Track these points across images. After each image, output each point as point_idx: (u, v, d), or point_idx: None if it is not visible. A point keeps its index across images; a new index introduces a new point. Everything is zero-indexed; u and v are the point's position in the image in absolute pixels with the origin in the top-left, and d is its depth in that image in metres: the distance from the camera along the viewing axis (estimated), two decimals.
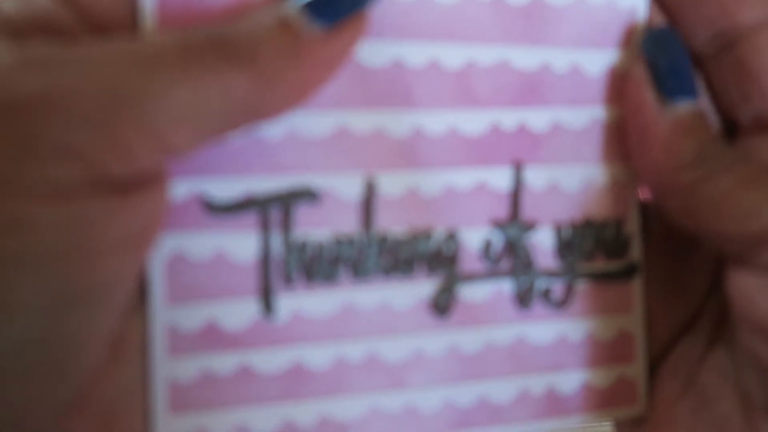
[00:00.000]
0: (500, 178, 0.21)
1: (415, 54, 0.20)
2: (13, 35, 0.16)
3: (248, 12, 0.18)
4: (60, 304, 0.15)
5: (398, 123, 0.20)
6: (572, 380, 0.22)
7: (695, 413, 0.22)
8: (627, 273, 0.23)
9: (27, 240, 0.14)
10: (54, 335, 0.15)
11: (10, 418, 0.15)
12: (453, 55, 0.21)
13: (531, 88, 0.22)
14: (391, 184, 0.20)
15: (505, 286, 0.22)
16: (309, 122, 0.20)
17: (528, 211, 0.22)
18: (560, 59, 0.22)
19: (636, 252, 0.23)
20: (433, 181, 0.21)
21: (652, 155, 0.20)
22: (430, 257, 0.21)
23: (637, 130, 0.21)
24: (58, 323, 0.15)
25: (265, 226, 0.19)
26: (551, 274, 0.22)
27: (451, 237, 0.21)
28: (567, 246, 0.22)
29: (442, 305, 0.21)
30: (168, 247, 0.19)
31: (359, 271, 0.20)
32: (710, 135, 0.20)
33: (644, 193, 0.23)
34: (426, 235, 0.21)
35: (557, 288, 0.22)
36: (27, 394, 0.15)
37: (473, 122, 0.21)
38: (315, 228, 0.20)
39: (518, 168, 0.22)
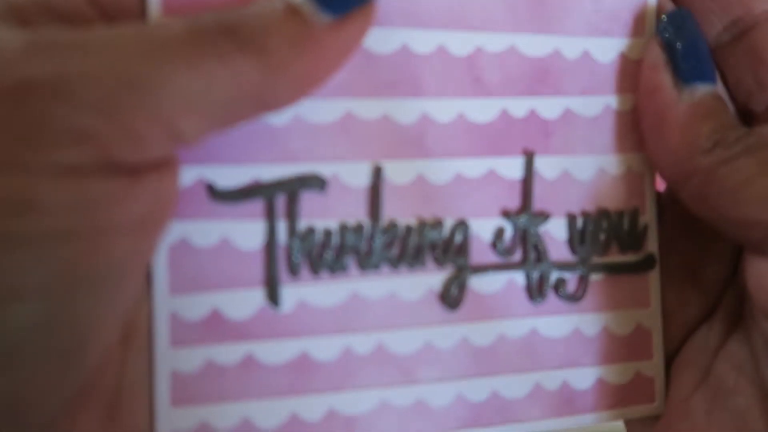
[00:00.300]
0: (511, 167, 0.21)
1: (423, 41, 0.20)
2: (23, 22, 0.16)
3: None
4: (69, 287, 0.14)
5: (406, 110, 0.20)
6: (587, 376, 0.22)
7: (711, 406, 0.21)
8: (644, 266, 0.22)
9: (35, 221, 0.14)
10: (63, 319, 0.14)
11: (19, 405, 0.15)
12: (461, 42, 0.20)
13: (541, 75, 0.21)
14: (398, 172, 0.20)
15: (517, 278, 0.21)
16: (316, 109, 0.19)
17: (540, 201, 0.21)
18: (571, 46, 0.21)
19: (652, 244, 0.22)
20: (442, 170, 0.20)
21: (669, 140, 0.20)
22: (440, 247, 0.20)
23: (653, 114, 0.20)
24: (68, 307, 0.14)
25: (270, 214, 0.19)
26: (564, 266, 0.21)
27: (461, 227, 0.20)
28: (580, 237, 0.22)
29: (452, 297, 0.20)
30: (172, 235, 0.18)
31: (366, 260, 0.20)
32: (729, 119, 0.20)
33: (659, 184, 0.23)
34: (435, 224, 0.20)
35: (571, 281, 0.22)
36: (35, 380, 0.14)
37: (482, 109, 0.21)
38: (321, 216, 0.20)
39: (529, 156, 0.21)
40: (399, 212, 0.20)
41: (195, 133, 0.16)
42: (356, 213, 0.20)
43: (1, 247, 0.13)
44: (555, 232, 0.21)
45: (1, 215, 0.13)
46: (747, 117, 0.22)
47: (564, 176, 0.22)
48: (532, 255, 0.21)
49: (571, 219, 0.21)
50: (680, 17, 0.20)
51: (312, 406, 0.19)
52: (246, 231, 0.19)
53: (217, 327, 0.19)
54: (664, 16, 0.21)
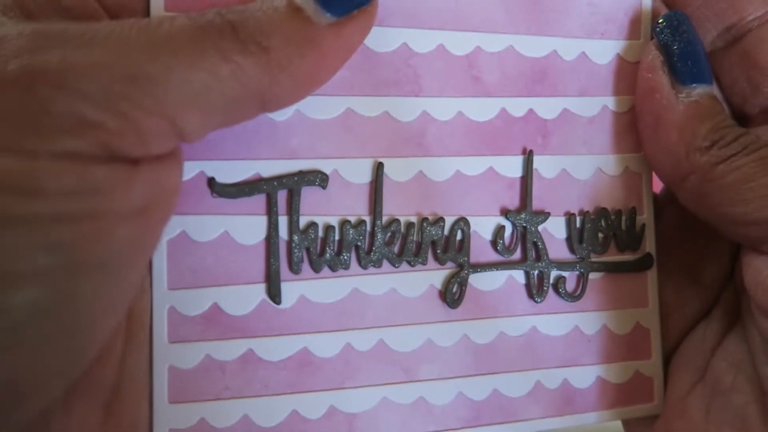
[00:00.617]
0: (510, 166, 0.21)
1: (423, 40, 0.20)
2: (30, 17, 0.16)
3: None
4: (69, 272, 0.14)
5: (406, 108, 0.20)
6: (587, 375, 0.22)
7: (709, 405, 0.21)
8: (641, 265, 0.22)
9: (36, 204, 0.14)
10: (62, 304, 0.14)
11: (16, 391, 0.14)
12: (460, 42, 0.21)
13: (539, 76, 0.21)
14: (399, 169, 0.20)
15: (517, 277, 0.21)
16: (318, 106, 0.19)
17: (538, 199, 0.21)
18: (568, 48, 0.22)
19: (650, 243, 0.22)
20: (442, 167, 0.20)
21: (667, 140, 0.20)
22: (440, 244, 0.20)
23: (651, 115, 0.21)
24: (67, 292, 0.14)
25: (271, 209, 0.19)
26: (564, 265, 0.21)
27: (461, 224, 0.20)
28: (579, 236, 0.22)
29: (452, 295, 0.20)
30: (172, 229, 0.18)
31: (367, 256, 0.20)
32: (726, 119, 0.20)
33: (656, 185, 0.23)
34: (436, 221, 0.20)
35: (570, 279, 0.22)
36: (33, 365, 0.14)
37: (481, 108, 0.21)
38: (322, 212, 0.19)
39: (528, 155, 0.21)
40: (399, 209, 0.20)
41: (196, 130, 0.16)
42: (357, 209, 0.20)
43: (2, 229, 0.13)
44: (554, 231, 0.22)
45: (3, 197, 0.13)
46: (742, 120, 0.22)
47: (562, 175, 0.22)
48: (532, 253, 0.21)
49: (570, 218, 0.22)
50: (677, 19, 0.21)
51: (312, 404, 0.19)
52: (247, 226, 0.19)
53: (216, 322, 0.19)
54: (660, 18, 0.21)
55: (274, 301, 0.19)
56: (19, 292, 0.13)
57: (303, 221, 0.19)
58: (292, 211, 0.19)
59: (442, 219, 0.20)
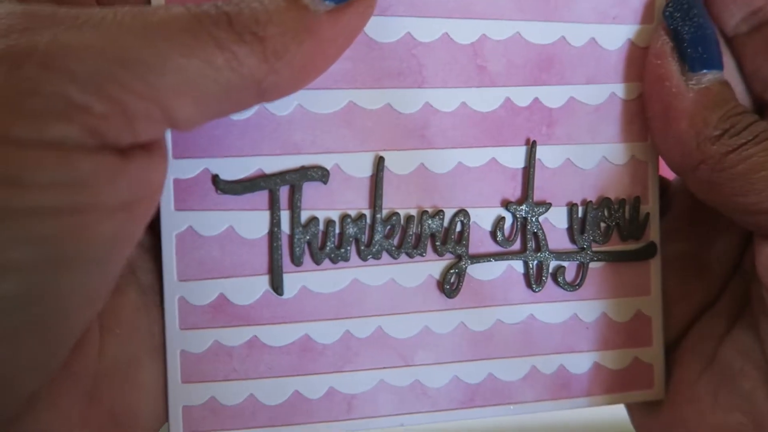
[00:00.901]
0: (513, 156, 0.21)
1: (427, 29, 0.20)
2: (23, 1, 0.16)
3: None
4: (53, 264, 0.14)
5: (408, 100, 0.20)
6: (584, 361, 0.22)
7: (717, 390, 0.21)
8: (644, 254, 0.22)
9: (20, 195, 0.13)
10: (45, 295, 0.14)
11: None
12: (465, 30, 0.20)
13: (546, 64, 0.21)
14: (400, 162, 0.20)
15: (516, 267, 0.22)
16: (320, 99, 0.20)
17: (541, 190, 0.21)
18: (577, 34, 0.21)
19: (654, 232, 0.22)
20: (443, 159, 0.21)
21: (677, 128, 0.20)
22: (440, 237, 0.21)
23: (660, 102, 0.20)
24: (50, 283, 0.14)
25: (273, 205, 0.20)
26: (564, 255, 0.22)
27: (461, 216, 0.21)
28: (581, 226, 0.22)
29: (450, 285, 0.21)
30: (180, 224, 0.19)
31: (366, 249, 0.20)
32: (737, 106, 0.20)
33: (663, 172, 0.23)
34: (435, 214, 0.21)
35: (570, 269, 0.22)
36: (15, 355, 0.15)
37: (485, 98, 0.21)
38: (323, 206, 0.20)
39: (531, 146, 0.21)
40: (400, 202, 0.21)
41: (190, 117, 0.16)
42: (358, 203, 0.20)
43: None
44: (555, 221, 0.22)
45: None
46: (762, 107, 0.21)
47: (566, 165, 0.22)
48: (532, 244, 0.22)
49: (572, 208, 0.22)
50: (687, 3, 0.20)
51: (313, 385, 0.20)
52: (250, 221, 0.20)
53: (223, 311, 0.20)
54: (669, 2, 0.20)
55: (277, 293, 0.20)
56: (0, 282, 0.13)
57: (304, 216, 0.20)
58: (294, 206, 0.20)
59: (441, 211, 0.21)
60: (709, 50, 0.20)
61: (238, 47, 0.15)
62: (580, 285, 0.22)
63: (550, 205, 0.22)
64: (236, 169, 0.20)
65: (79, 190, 0.14)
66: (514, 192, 0.21)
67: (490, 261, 0.21)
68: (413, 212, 0.21)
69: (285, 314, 0.20)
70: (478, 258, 0.21)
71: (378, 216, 0.20)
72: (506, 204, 0.21)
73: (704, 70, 0.20)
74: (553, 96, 0.21)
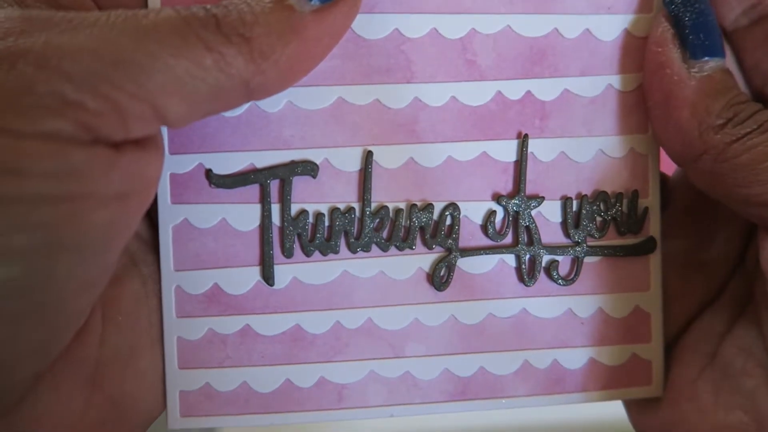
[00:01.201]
0: (504, 150, 0.21)
1: (416, 25, 0.20)
2: (22, 6, 0.17)
3: None
4: (50, 252, 0.15)
5: (397, 95, 0.21)
6: (578, 356, 0.22)
7: (719, 388, 0.21)
8: (643, 248, 0.22)
9: (18, 184, 0.14)
10: (42, 283, 0.15)
11: None
12: (454, 25, 0.20)
13: (538, 56, 0.21)
14: (389, 157, 0.21)
15: (508, 260, 0.21)
16: (309, 96, 0.20)
17: (534, 184, 0.21)
18: (570, 25, 0.21)
19: (655, 227, 0.22)
20: (433, 153, 0.21)
21: (678, 118, 0.19)
22: (429, 230, 0.21)
23: (660, 91, 0.20)
24: (48, 269, 0.15)
25: (264, 199, 0.20)
26: (557, 249, 0.22)
27: (451, 210, 0.21)
28: (575, 220, 0.22)
29: (439, 278, 0.21)
30: (176, 217, 0.20)
31: (356, 242, 0.21)
32: (739, 94, 0.19)
33: (663, 166, 0.22)
34: (425, 207, 0.21)
35: (564, 263, 0.22)
36: (14, 338, 0.15)
37: (475, 92, 0.21)
38: (313, 200, 0.21)
39: (523, 139, 0.21)
40: (389, 196, 0.21)
41: (181, 115, 0.16)
42: (347, 197, 0.21)
43: None
44: (549, 215, 0.22)
45: None
46: (763, 102, 0.21)
47: (560, 158, 0.21)
48: (524, 238, 0.21)
49: (566, 202, 0.21)
50: None
51: (304, 374, 0.21)
52: (242, 214, 0.21)
53: (217, 301, 0.21)
54: None
55: (268, 283, 0.21)
56: None
57: (294, 209, 0.21)
58: (284, 199, 0.21)
59: (431, 205, 0.21)
60: (711, 37, 0.19)
61: (226, 48, 0.16)
62: (574, 280, 0.22)
63: (543, 198, 0.21)
64: (229, 163, 0.20)
65: (73, 180, 0.15)
66: (506, 186, 0.21)
67: (481, 254, 0.21)
68: (402, 206, 0.21)
69: (276, 304, 0.21)
70: (468, 251, 0.21)
71: (367, 209, 0.21)
72: (497, 198, 0.21)
73: (706, 58, 0.19)
74: (546, 89, 0.21)
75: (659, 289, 0.22)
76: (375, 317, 0.21)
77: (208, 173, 0.20)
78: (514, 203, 0.21)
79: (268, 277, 0.21)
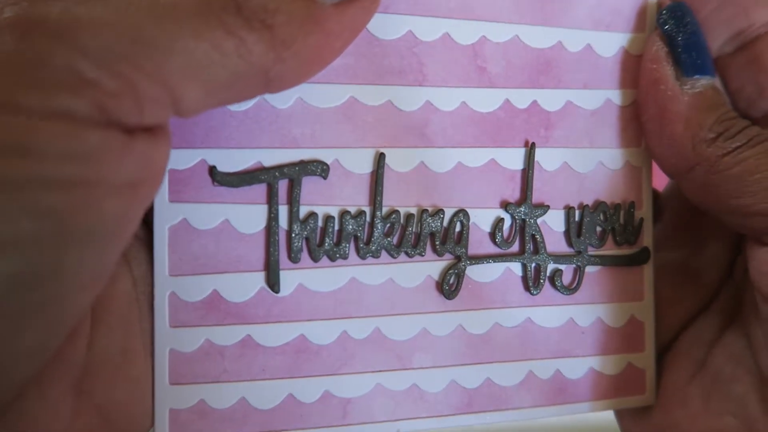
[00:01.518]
0: (511, 158, 0.21)
1: (429, 28, 0.20)
2: None
3: None
4: (57, 240, 0.14)
5: (409, 97, 0.20)
6: (580, 366, 0.22)
7: (708, 395, 0.21)
8: (638, 259, 0.22)
9: (27, 166, 0.13)
10: (47, 273, 0.14)
11: None
12: (466, 31, 0.21)
13: (544, 67, 0.21)
14: (400, 160, 0.20)
15: (514, 269, 0.21)
16: (320, 94, 0.20)
17: (539, 192, 0.21)
18: (573, 39, 0.21)
19: (648, 238, 0.23)
20: (443, 158, 0.21)
21: (672, 131, 0.20)
22: (439, 236, 0.20)
23: (655, 106, 0.21)
24: (53, 260, 0.14)
25: (272, 199, 0.19)
26: (561, 258, 0.22)
27: (461, 216, 0.21)
28: (577, 229, 0.22)
29: (449, 286, 0.21)
30: (173, 217, 0.19)
31: (365, 247, 0.20)
32: (729, 111, 0.20)
33: (658, 181, 0.23)
34: (435, 213, 0.20)
35: (567, 272, 0.22)
36: (13, 337, 0.14)
37: (485, 99, 0.21)
38: (322, 202, 0.20)
39: (530, 148, 0.21)
40: (400, 200, 0.20)
41: (195, 102, 0.15)
42: (357, 199, 0.20)
43: None
44: (553, 224, 0.22)
45: None
46: None
47: (564, 168, 0.22)
48: (530, 246, 0.21)
49: (569, 211, 0.22)
50: (680, 10, 0.21)
51: (308, 388, 0.20)
52: (247, 215, 0.19)
53: (216, 309, 0.19)
54: (663, 9, 0.21)
55: (273, 290, 0.19)
56: (1, 259, 0.13)
57: (303, 211, 0.20)
58: (293, 200, 0.19)
59: (441, 211, 0.21)
60: (702, 56, 0.21)
61: (247, 33, 0.15)
62: (576, 289, 0.22)
63: (548, 207, 0.22)
64: (234, 160, 0.19)
65: (86, 164, 0.14)
66: (513, 193, 0.21)
67: (489, 262, 0.21)
68: (413, 210, 0.20)
69: (280, 313, 0.19)
70: (477, 259, 0.21)
71: (378, 213, 0.20)
72: (505, 205, 0.21)
73: (697, 75, 0.20)
74: (551, 99, 0.22)
75: (652, 299, 0.23)
76: (383, 327, 0.20)
77: (212, 170, 0.19)
78: (521, 211, 0.21)
79: (273, 283, 0.19)
